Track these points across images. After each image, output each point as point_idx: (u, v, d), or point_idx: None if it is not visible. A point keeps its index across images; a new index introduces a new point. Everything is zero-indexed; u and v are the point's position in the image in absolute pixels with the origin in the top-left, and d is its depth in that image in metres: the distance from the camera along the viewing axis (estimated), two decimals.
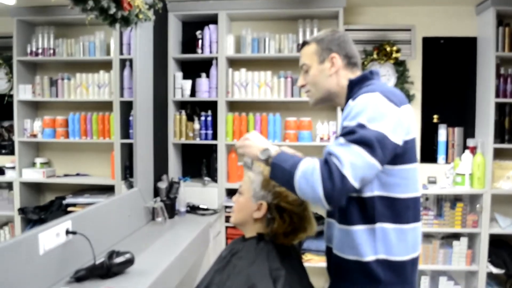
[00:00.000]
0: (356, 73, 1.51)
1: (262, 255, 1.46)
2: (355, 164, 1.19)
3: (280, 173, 1.28)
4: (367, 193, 1.34)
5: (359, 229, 1.36)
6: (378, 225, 1.34)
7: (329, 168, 1.19)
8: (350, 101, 1.37)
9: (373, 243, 1.35)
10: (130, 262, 1.87)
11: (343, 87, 1.49)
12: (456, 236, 3.35)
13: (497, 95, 3.26)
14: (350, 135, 1.24)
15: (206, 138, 3.49)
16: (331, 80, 1.49)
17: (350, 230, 1.37)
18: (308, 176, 1.20)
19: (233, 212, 1.62)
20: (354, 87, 1.46)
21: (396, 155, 1.31)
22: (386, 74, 3.50)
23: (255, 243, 1.52)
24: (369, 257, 1.35)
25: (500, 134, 3.36)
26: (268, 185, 1.52)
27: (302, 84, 1.56)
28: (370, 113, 1.26)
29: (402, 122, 1.30)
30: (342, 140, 1.25)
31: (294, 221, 1.50)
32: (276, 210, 1.50)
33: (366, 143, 1.21)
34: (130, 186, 2.74)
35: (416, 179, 1.41)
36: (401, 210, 1.36)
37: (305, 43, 1.56)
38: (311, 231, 1.55)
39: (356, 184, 1.19)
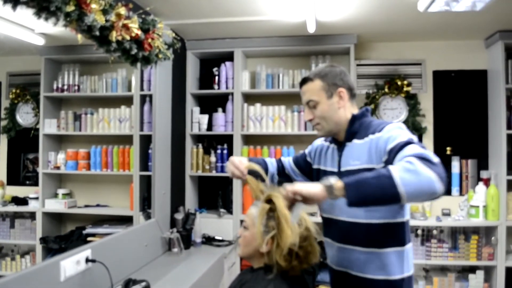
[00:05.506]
0: (354, 105, 1.63)
1: (270, 285, 1.50)
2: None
3: (367, 183, 1.24)
4: (399, 219, 1.48)
5: (390, 251, 1.48)
6: (408, 246, 1.51)
7: (424, 159, 1.23)
8: (377, 133, 1.47)
9: (401, 262, 1.49)
10: None
11: (347, 120, 1.59)
12: (472, 269, 3.31)
13: (509, 127, 3.28)
14: (414, 145, 1.33)
15: (222, 171, 3.57)
16: (340, 113, 1.58)
17: (381, 253, 1.48)
18: (410, 169, 1.21)
19: (239, 246, 1.66)
20: (355, 121, 1.58)
21: None
22: (397, 108, 3.56)
23: (263, 273, 1.55)
24: (397, 276, 1.48)
25: None
26: (272, 222, 1.56)
27: (310, 118, 1.62)
28: (410, 135, 1.41)
29: None
30: (413, 146, 1.32)
31: (300, 254, 1.53)
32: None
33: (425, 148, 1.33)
34: (148, 217, 2.82)
35: None
36: (408, 231, 1.53)
37: (307, 79, 1.61)
38: (316, 260, 1.58)
39: None
